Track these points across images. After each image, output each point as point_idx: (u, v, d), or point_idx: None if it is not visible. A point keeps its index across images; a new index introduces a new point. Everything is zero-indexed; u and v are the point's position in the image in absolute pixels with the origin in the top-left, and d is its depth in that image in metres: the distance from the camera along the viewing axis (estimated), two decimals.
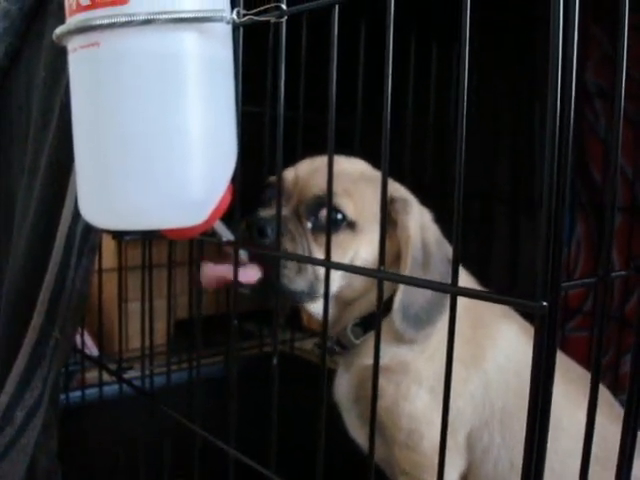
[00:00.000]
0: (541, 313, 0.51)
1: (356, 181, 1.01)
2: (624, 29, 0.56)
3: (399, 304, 0.97)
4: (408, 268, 0.97)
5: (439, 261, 1.00)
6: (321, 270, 0.89)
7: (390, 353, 1.01)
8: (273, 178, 1.07)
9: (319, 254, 0.97)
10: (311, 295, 0.99)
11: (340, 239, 0.96)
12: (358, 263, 0.99)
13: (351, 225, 0.98)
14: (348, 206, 0.97)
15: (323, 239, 0.97)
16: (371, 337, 1.00)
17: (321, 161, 1.05)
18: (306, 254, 0.97)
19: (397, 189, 1.04)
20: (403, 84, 1.56)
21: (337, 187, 0.95)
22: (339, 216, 0.96)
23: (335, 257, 0.92)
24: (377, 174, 1.04)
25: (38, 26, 1.09)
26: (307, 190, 1.00)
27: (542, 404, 0.53)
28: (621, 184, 1.60)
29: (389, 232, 0.99)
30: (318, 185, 0.99)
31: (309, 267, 0.97)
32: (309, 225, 0.99)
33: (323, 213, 0.98)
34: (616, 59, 0.56)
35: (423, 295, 0.98)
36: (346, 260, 0.98)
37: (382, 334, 0.99)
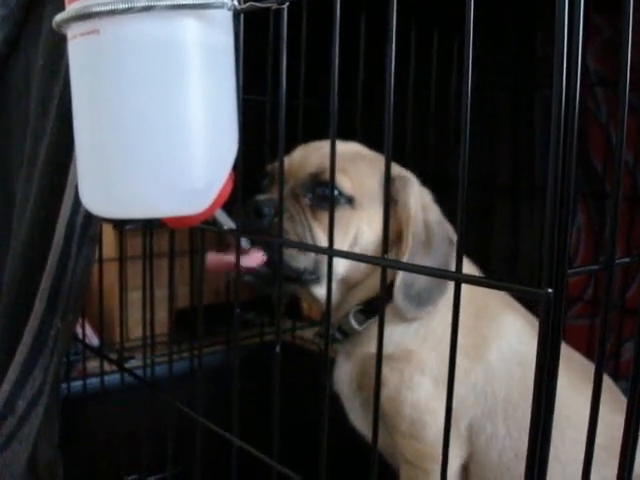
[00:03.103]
0: (546, 300, 0.50)
1: (351, 159, 1.01)
2: (629, 19, 0.55)
3: (401, 282, 0.97)
4: (409, 247, 0.97)
5: (441, 241, 1.00)
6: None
7: (394, 341, 1.01)
8: (270, 167, 1.07)
9: (319, 230, 0.98)
10: (315, 274, 0.99)
11: (339, 215, 0.96)
12: (361, 242, 0.99)
13: (350, 201, 0.98)
14: (344, 182, 0.98)
15: (322, 215, 0.98)
16: (374, 324, 1.00)
17: (314, 146, 1.06)
18: (306, 231, 0.98)
19: (396, 168, 1.04)
20: (404, 72, 1.55)
21: None
22: (335, 192, 0.96)
23: (337, 234, 0.92)
24: (373, 154, 1.06)
25: (36, 14, 1.08)
26: (302, 171, 1.01)
27: (547, 393, 0.53)
28: (622, 172, 1.59)
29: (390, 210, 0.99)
30: (312, 164, 1.00)
31: (311, 242, 0.97)
32: (306, 201, 1.00)
33: (319, 189, 0.99)
34: (621, 51, 0.56)
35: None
36: (349, 237, 0.98)
37: (385, 321, 1.00)
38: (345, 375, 1.10)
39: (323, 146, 1.04)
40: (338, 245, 0.95)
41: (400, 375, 1.01)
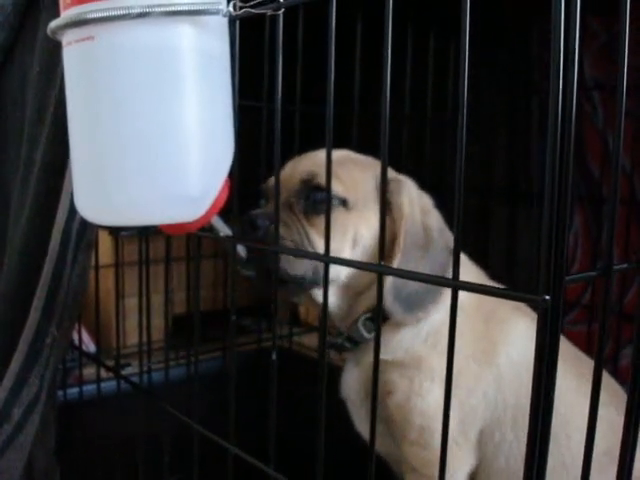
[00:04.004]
0: (544, 307, 0.50)
1: (342, 163, 1.00)
2: (625, 24, 0.55)
3: (390, 285, 0.96)
4: (401, 248, 0.96)
5: (439, 249, 0.99)
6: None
7: (404, 348, 1.01)
8: (263, 185, 1.07)
9: (315, 236, 0.97)
10: (315, 281, 0.98)
11: (334, 216, 0.95)
12: (361, 244, 0.98)
13: (343, 203, 0.98)
14: (336, 185, 0.97)
15: (317, 220, 0.97)
16: (384, 332, 0.98)
17: (304, 156, 1.05)
18: (303, 238, 0.97)
19: (391, 172, 1.04)
20: (400, 77, 1.55)
21: (321, 170, 0.95)
22: None
23: (335, 237, 0.92)
24: (365, 157, 1.06)
25: (32, 21, 1.08)
26: (293, 180, 1.01)
27: (545, 398, 0.52)
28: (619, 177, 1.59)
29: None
30: (302, 171, 1.00)
31: (309, 250, 0.97)
32: (300, 209, 0.99)
33: (312, 195, 0.98)
34: (618, 55, 0.56)
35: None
36: (348, 239, 0.98)
37: (394, 328, 0.99)
38: (353, 382, 1.09)
39: (312, 155, 1.04)
40: (338, 247, 0.95)
41: (409, 382, 1.00)
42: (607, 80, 1.65)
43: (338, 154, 1.04)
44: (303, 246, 0.97)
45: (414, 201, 1.01)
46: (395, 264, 0.96)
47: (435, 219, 1.03)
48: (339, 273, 0.99)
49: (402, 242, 0.97)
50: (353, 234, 0.98)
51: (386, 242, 0.98)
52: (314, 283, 0.98)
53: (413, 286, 0.97)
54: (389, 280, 0.96)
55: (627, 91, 0.56)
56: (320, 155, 0.98)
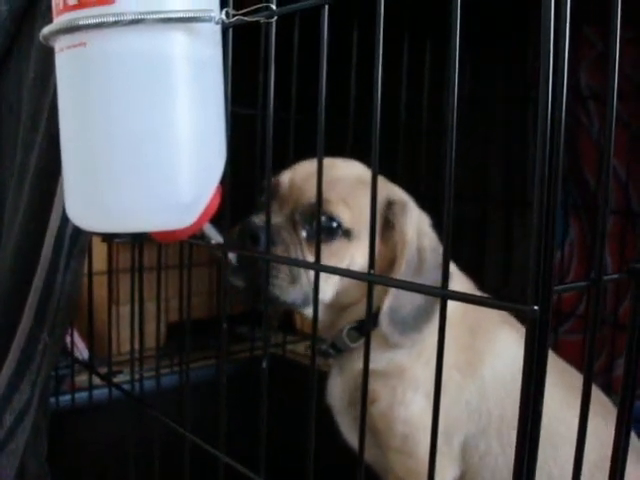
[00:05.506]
0: (532, 317, 0.50)
1: (353, 187, 0.99)
2: (616, 31, 0.55)
3: (387, 308, 0.95)
4: (402, 272, 0.96)
5: (432, 268, 0.98)
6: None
7: (387, 358, 1.00)
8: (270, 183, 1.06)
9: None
10: (305, 304, 0.98)
11: (336, 247, 0.95)
12: (353, 269, 0.97)
13: (347, 233, 0.96)
14: (344, 214, 0.96)
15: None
16: None
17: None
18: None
19: (395, 192, 1.03)
20: (396, 85, 1.55)
21: (333, 194, 0.94)
22: (334, 224, 0.95)
23: (331, 264, 0.91)
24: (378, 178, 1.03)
25: (29, 27, 1.08)
26: (302, 197, 0.99)
27: (533, 410, 0.52)
28: (614, 187, 1.60)
29: (386, 236, 0.98)
30: (314, 191, 0.98)
31: (304, 277, 0.96)
32: (304, 234, 0.97)
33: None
34: (609, 62, 0.56)
35: (411, 301, 0.96)
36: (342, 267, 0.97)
37: (378, 339, 0.99)
38: (337, 390, 1.09)
39: (328, 166, 1.02)
40: (331, 277, 0.95)
41: (392, 391, 1.00)
42: (603, 90, 1.66)
43: (350, 174, 1.02)
44: (299, 273, 0.96)
45: (415, 225, 1.00)
46: (391, 291, 0.95)
47: (430, 240, 1.01)
48: (323, 296, 0.99)
49: (403, 268, 0.96)
50: (347, 263, 0.97)
51: (383, 266, 0.98)
52: (303, 305, 0.99)
53: (407, 309, 0.96)
54: (386, 305, 0.96)
55: (621, 100, 0.56)
56: (333, 173, 0.97)
